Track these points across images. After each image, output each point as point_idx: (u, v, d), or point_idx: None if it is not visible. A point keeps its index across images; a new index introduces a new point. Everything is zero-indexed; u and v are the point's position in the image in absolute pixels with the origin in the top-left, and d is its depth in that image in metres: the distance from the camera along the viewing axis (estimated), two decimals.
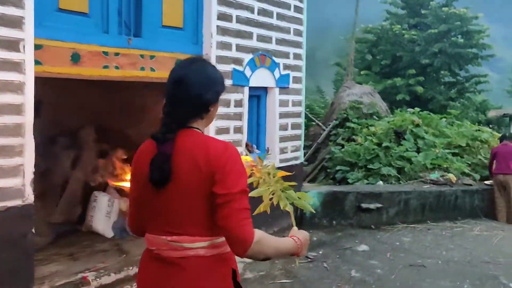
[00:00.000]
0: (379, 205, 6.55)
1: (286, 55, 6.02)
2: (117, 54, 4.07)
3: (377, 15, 25.50)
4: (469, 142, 8.40)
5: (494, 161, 7.33)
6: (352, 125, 10.34)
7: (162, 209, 1.64)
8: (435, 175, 7.52)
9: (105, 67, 3.99)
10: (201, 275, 1.60)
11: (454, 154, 8.26)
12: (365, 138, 9.37)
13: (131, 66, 4.23)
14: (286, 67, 6.02)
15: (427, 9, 21.44)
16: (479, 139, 8.52)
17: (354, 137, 9.96)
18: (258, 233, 1.54)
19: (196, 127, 1.68)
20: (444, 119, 9.71)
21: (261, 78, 5.65)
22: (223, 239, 1.60)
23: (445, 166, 7.76)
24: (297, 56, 6.20)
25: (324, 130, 11.46)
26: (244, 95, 5.42)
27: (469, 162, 8.11)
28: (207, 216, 1.59)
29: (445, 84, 22.40)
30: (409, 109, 10.28)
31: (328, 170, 9.73)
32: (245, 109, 5.43)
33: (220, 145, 1.61)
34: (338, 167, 9.11)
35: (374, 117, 10.42)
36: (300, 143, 6.36)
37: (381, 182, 7.68)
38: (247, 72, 5.42)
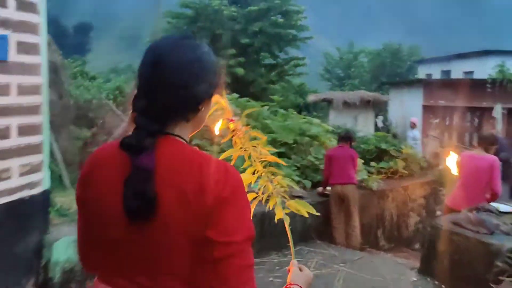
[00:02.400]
0: None
1: None
2: None
3: None
4: (297, 138, 6.73)
5: (331, 167, 5.70)
6: None
7: (132, 251, 1.08)
8: (257, 186, 5.62)
9: None
10: None
11: (280, 155, 6.51)
12: None
13: None
14: (1, 23, 3.30)
15: None
16: (307, 134, 6.92)
17: None
18: None
19: (178, 135, 1.12)
20: (266, 107, 7.97)
21: None
22: None
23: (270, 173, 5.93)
24: (24, 6, 3.50)
25: (124, 120, 8.95)
26: None
27: (298, 165, 6.44)
28: (191, 266, 1.06)
29: (265, 66, 21.61)
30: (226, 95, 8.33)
31: None
32: None
33: (219, 167, 1.07)
34: None
35: None
36: (41, 158, 3.71)
37: None
38: None
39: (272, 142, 6.71)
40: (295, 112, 7.99)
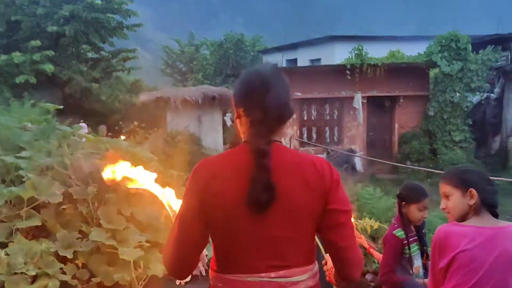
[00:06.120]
0: None
1: None
2: None
3: None
4: None
5: None
6: None
7: (261, 238, 1.42)
8: None
9: None
10: None
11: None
12: None
13: None
14: None
15: None
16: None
17: None
18: None
19: (279, 140, 1.55)
20: (28, 125, 4.38)
21: None
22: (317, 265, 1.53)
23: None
24: None
25: None
26: None
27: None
28: (312, 240, 1.51)
29: (87, 61, 17.50)
30: None
31: None
32: None
33: (324, 161, 1.54)
34: None
35: None
36: None
37: None
38: None
39: (19, 202, 3.25)
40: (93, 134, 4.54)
